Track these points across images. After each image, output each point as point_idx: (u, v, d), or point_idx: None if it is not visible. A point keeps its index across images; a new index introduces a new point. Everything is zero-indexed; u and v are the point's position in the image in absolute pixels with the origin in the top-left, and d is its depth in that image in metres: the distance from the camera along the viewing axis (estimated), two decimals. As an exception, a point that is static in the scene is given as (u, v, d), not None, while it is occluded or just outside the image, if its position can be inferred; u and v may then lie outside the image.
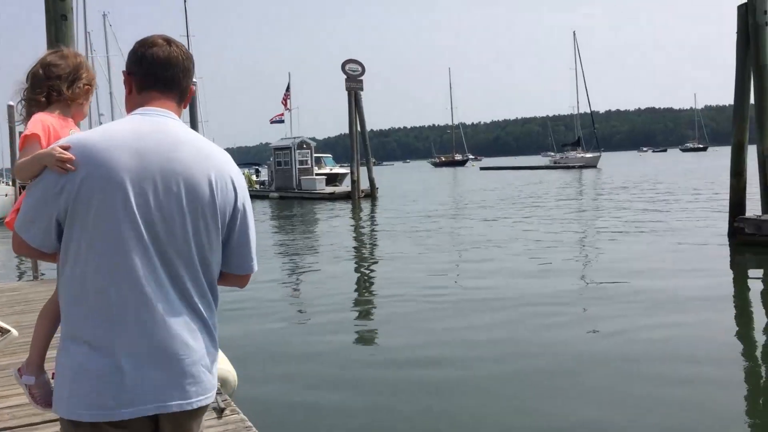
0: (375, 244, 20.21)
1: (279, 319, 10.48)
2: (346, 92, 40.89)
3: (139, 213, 2.15)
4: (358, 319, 10.67)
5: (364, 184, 40.85)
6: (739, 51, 15.36)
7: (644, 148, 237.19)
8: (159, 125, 2.27)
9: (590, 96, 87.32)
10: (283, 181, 47.19)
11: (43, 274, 11.75)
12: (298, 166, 46.14)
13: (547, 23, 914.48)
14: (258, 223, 28.02)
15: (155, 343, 2.17)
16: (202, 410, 2.33)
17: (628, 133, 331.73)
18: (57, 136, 2.44)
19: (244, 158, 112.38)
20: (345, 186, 47.01)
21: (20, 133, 2.79)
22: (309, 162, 46.87)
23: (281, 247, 20.12)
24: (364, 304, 11.75)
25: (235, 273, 2.42)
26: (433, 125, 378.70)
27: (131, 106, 2.37)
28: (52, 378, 2.34)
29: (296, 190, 45.31)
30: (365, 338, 9.47)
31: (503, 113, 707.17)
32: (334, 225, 26.77)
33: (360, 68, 41.41)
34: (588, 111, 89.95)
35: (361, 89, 41.13)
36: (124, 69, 2.41)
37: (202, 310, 2.28)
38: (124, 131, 2.22)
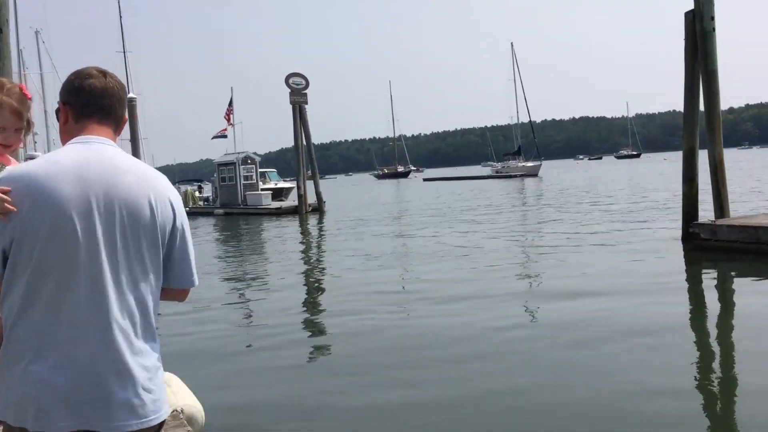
0: (325, 259, 19.84)
1: (229, 339, 10.15)
2: (287, 106, 40.54)
3: (85, 238, 2.25)
4: (310, 336, 10.44)
5: (311, 199, 40.50)
6: (688, 57, 15.56)
7: (580, 156, 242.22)
8: (100, 153, 2.38)
9: (524, 107, 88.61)
10: (227, 197, 46.56)
11: None
12: (243, 182, 45.66)
13: (483, 34, 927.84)
14: (204, 241, 27.82)
15: (95, 362, 2.24)
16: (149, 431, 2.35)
17: (564, 141, 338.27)
18: None
19: (185, 174, 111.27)
20: (291, 200, 46.61)
21: None
22: (254, 177, 46.38)
23: (229, 265, 19.72)
24: (315, 320, 11.53)
25: (176, 288, 2.53)
26: (374, 138, 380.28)
27: (68, 136, 2.47)
28: None
29: (242, 206, 44.74)
30: (317, 353, 9.31)
31: (442, 125, 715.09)
32: (282, 240, 26.37)
33: (304, 82, 41.10)
34: (527, 121, 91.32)
35: (306, 103, 40.81)
36: (59, 100, 2.50)
37: (144, 332, 2.37)
38: (66, 160, 2.31)
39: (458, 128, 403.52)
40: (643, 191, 38.59)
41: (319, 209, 40.00)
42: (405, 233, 24.54)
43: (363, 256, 18.60)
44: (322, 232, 28.88)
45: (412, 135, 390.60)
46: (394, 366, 8.19)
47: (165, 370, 5.67)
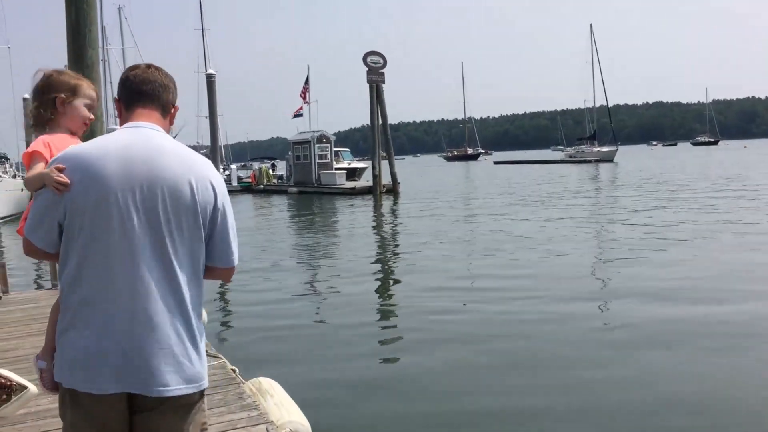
0: (400, 243, 19.30)
1: (299, 323, 10.04)
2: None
3: (129, 214, 2.43)
4: (381, 321, 10.23)
5: (386, 179, 40.19)
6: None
7: (654, 142, 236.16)
8: (144, 136, 2.55)
9: (601, 90, 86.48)
10: (301, 175, 46.55)
11: (57, 284, 11.17)
12: (317, 161, 45.54)
13: (559, 15, 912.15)
14: (277, 220, 27.63)
15: (140, 331, 2.41)
16: (182, 399, 2.49)
17: (636, 127, 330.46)
18: (58, 149, 2.71)
19: (256, 152, 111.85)
20: (364, 180, 46.42)
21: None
22: (328, 156, 46.23)
23: (303, 245, 19.53)
24: (389, 306, 11.23)
25: (218, 266, 2.65)
26: (443, 119, 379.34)
27: (122, 125, 2.65)
28: None
29: (315, 185, 44.70)
30: (389, 341, 9.13)
31: (512, 107, 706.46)
32: (356, 221, 26.10)
33: (382, 60, 40.61)
34: (601, 105, 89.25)
35: (383, 82, 40.32)
36: (114, 97, 2.76)
37: (189, 304, 2.51)
38: (113, 143, 2.51)
39: (527, 111, 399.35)
40: (740, 179, 37.04)
41: (393, 190, 39.57)
42: (483, 218, 23.90)
43: (443, 242, 18.19)
44: (398, 214, 28.41)
45: (481, 117, 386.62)
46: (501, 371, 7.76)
47: (259, 374, 5.35)
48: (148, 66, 2.75)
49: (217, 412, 4.62)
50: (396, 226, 24.13)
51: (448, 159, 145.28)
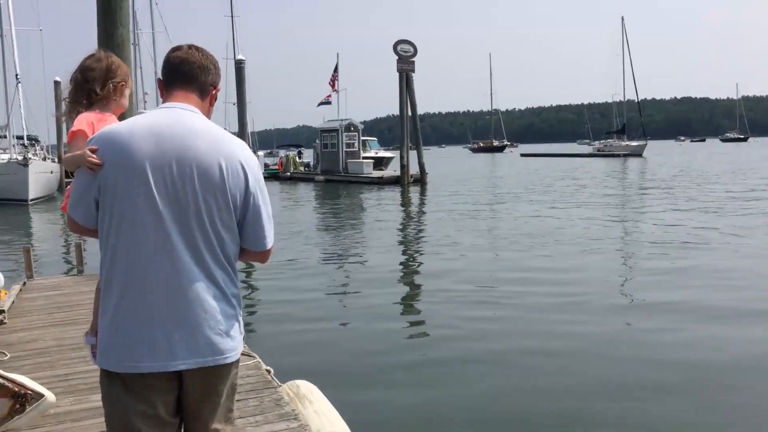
0: (428, 233, 18.74)
1: (328, 318, 9.72)
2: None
3: (157, 193, 2.44)
4: (415, 316, 9.92)
5: (413, 169, 39.71)
6: None
7: (681, 138, 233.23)
8: (179, 116, 2.55)
9: (631, 84, 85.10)
10: (329, 163, 46.24)
11: (83, 270, 10.85)
12: (345, 149, 45.19)
13: (588, 7, 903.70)
14: (305, 208, 27.28)
15: (177, 306, 2.45)
16: (221, 369, 2.57)
17: (664, 122, 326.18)
18: (100, 129, 2.72)
19: (282, 140, 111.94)
20: (391, 170, 45.99)
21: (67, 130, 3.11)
22: (356, 145, 45.86)
23: (332, 236, 19.15)
24: (424, 302, 10.82)
25: (252, 249, 2.66)
26: (468, 111, 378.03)
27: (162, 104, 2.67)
28: None
29: (343, 174, 44.37)
30: (414, 331, 8.98)
31: (538, 100, 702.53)
32: (385, 211, 25.65)
33: (412, 49, 40.07)
34: (630, 99, 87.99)
35: (413, 71, 39.81)
36: (159, 77, 2.77)
37: (219, 280, 2.53)
38: (146, 123, 2.52)
39: (553, 104, 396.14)
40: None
41: (421, 180, 39.12)
42: (513, 211, 23.36)
43: (475, 235, 17.75)
44: (426, 205, 27.93)
45: (506, 109, 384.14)
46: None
47: (291, 375, 4.91)
48: (190, 47, 2.73)
49: (254, 421, 4.21)
50: (424, 217, 23.64)
51: (474, 150, 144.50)
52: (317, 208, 28.44)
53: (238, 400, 4.42)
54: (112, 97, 3.10)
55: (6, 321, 7.18)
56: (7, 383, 3.45)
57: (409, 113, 40.11)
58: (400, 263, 14.29)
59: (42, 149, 42.46)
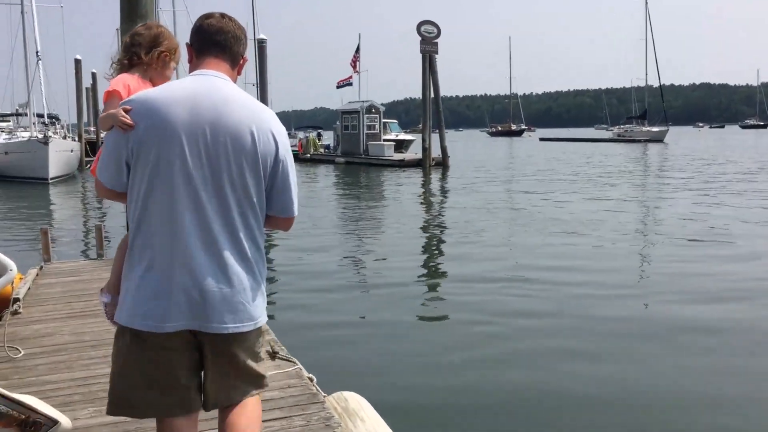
0: (453, 219, 18.00)
1: (340, 293, 9.79)
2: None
3: (192, 158, 2.49)
4: (425, 295, 9.79)
5: (435, 152, 39.05)
6: None
7: (700, 124, 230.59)
8: (212, 84, 2.61)
9: (653, 69, 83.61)
10: (349, 145, 45.60)
11: (108, 255, 10.29)
12: (366, 131, 44.50)
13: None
14: (326, 191, 26.74)
15: (201, 271, 2.50)
16: (242, 336, 2.60)
17: (681, 108, 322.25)
18: (135, 92, 2.74)
19: (300, 122, 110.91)
20: (412, 153, 45.34)
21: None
22: (377, 127, 45.12)
23: (357, 222, 18.57)
24: (434, 278, 10.76)
25: (278, 216, 2.72)
26: (485, 95, 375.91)
27: (191, 72, 2.71)
28: None
29: (363, 156, 43.74)
30: (429, 316, 8.80)
31: (555, 85, 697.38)
32: (408, 195, 25.03)
33: (436, 30, 39.28)
34: (650, 84, 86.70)
35: (436, 53, 39.03)
36: (187, 42, 2.78)
37: (246, 247, 2.58)
38: (182, 89, 2.58)
39: (571, 89, 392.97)
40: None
41: (443, 164, 38.48)
42: (538, 195, 22.72)
43: (503, 220, 17.14)
44: (449, 189, 27.22)
45: (524, 94, 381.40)
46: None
47: (332, 380, 4.33)
48: (222, 16, 2.75)
49: (302, 443, 3.66)
50: (448, 200, 22.89)
51: (492, 134, 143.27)
52: (338, 190, 27.86)
53: (281, 418, 3.96)
54: (153, 64, 3.05)
55: (21, 310, 6.67)
56: (12, 411, 2.91)
57: (432, 95, 39.38)
58: (431, 251, 13.75)
59: (62, 128, 42.11)
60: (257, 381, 2.73)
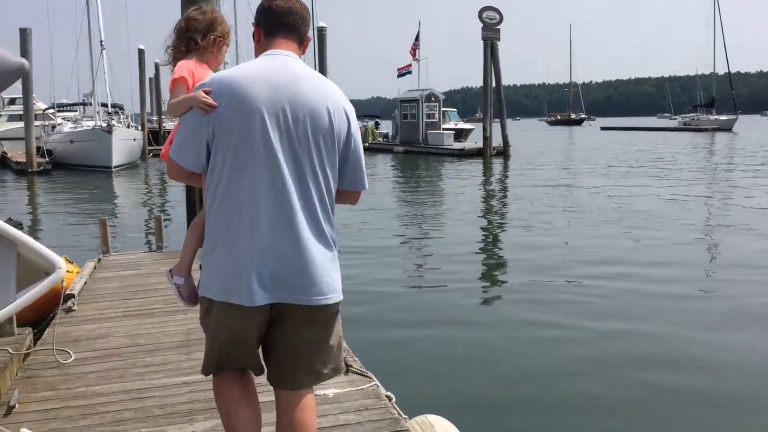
0: (517, 211, 17.25)
1: (400, 288, 9.48)
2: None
3: (273, 136, 2.55)
4: (486, 289, 9.53)
5: (496, 141, 38.18)
6: None
7: (767, 113, 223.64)
8: (285, 63, 2.67)
9: (722, 55, 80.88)
10: (408, 134, 44.96)
11: (166, 246, 9.89)
12: (425, 120, 43.82)
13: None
14: (382, 178, 26.22)
15: (281, 246, 2.55)
16: (321, 310, 2.64)
17: (746, 96, 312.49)
18: (199, 78, 2.83)
19: (356, 111, 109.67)
20: (472, 142, 44.55)
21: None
22: (437, 116, 44.40)
23: (414, 210, 17.99)
24: (507, 276, 10.30)
25: (349, 189, 2.79)
26: (543, 83, 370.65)
27: (260, 52, 2.78)
28: (197, 284, 2.80)
29: (422, 145, 43.08)
30: (493, 309, 8.62)
31: (615, 73, 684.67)
32: (471, 186, 24.29)
33: (498, 16, 38.37)
34: (718, 72, 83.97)
35: (498, 39, 38.17)
36: (253, 22, 2.83)
37: (323, 223, 2.64)
38: (258, 69, 2.64)
39: (632, 77, 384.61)
40: None
41: (504, 153, 37.64)
42: (605, 188, 21.79)
43: (572, 212, 16.34)
44: (512, 180, 26.22)
45: (583, 82, 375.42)
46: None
47: (422, 408, 3.79)
48: None
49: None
50: (513, 193, 21.86)
51: (551, 123, 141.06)
52: (397, 180, 27.30)
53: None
54: (210, 49, 3.07)
55: (75, 308, 6.30)
56: None
57: (494, 84, 38.52)
58: (498, 248, 13.10)
59: (126, 117, 42.48)
60: (334, 361, 2.78)
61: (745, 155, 36.60)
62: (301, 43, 2.81)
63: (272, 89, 2.56)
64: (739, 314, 7.94)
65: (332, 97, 2.66)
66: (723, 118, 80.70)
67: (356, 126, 2.76)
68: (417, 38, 49.24)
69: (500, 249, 12.80)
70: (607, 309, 8.26)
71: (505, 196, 21.30)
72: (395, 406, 3.94)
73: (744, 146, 45.61)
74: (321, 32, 37.50)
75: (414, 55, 49.06)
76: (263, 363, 2.77)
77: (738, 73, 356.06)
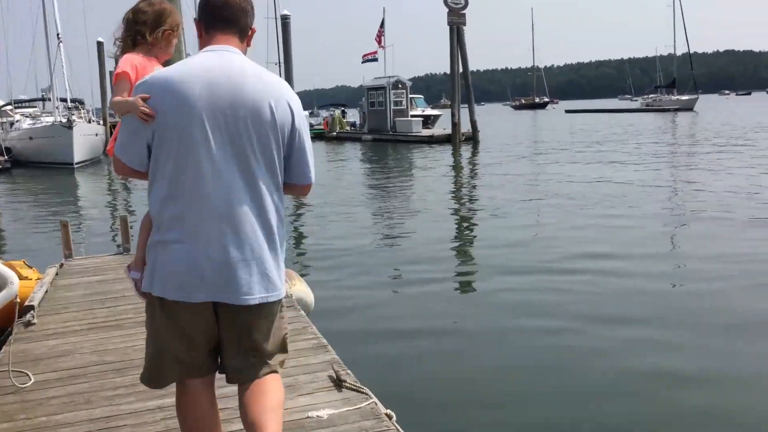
0: (485, 195, 17.03)
1: (373, 278, 9.29)
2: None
3: (214, 135, 2.53)
4: (458, 282, 9.27)
5: (464, 127, 37.92)
6: None
7: (726, 92, 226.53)
8: (227, 60, 2.64)
9: (681, 36, 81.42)
10: (376, 122, 44.57)
11: (129, 248, 9.28)
12: (392, 107, 43.44)
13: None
14: (352, 168, 25.76)
15: (228, 243, 2.55)
16: (262, 308, 2.65)
17: (705, 76, 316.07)
18: (143, 73, 2.81)
19: (322, 100, 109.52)
20: (439, 128, 44.25)
21: (110, 72, 1.68)
22: (404, 103, 44.04)
23: (384, 200, 17.60)
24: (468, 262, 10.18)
25: (297, 183, 2.78)
26: (506, 68, 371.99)
27: (202, 47, 2.75)
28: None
29: (391, 133, 42.72)
30: (466, 299, 8.44)
31: (575, 56, 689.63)
32: (436, 171, 24.02)
33: (463, 1, 37.91)
34: (677, 52, 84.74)
35: (464, 24, 37.79)
36: (194, 17, 2.80)
37: (271, 220, 2.64)
38: (197, 66, 2.60)
39: (593, 60, 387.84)
40: None
41: (473, 138, 37.42)
42: (578, 170, 21.61)
43: (550, 198, 16.04)
44: (482, 166, 25.96)
45: (545, 66, 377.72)
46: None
47: (425, 427, 3.37)
48: None
49: None
50: (484, 180, 21.43)
51: (516, 107, 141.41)
52: (367, 169, 26.86)
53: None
54: (158, 44, 3.00)
55: (35, 321, 5.80)
56: None
57: (461, 69, 38.18)
58: (476, 241, 12.73)
59: (87, 112, 41.50)
60: (278, 353, 2.77)
61: (710, 134, 36.70)
62: (244, 36, 2.76)
63: (212, 87, 2.54)
64: (717, 301, 7.70)
65: (275, 91, 2.64)
66: (684, 98, 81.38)
67: (301, 120, 2.72)
68: (382, 25, 48.77)
69: (478, 241, 12.41)
70: (591, 300, 7.95)
71: (476, 184, 20.98)
72: (397, 425, 3.54)
73: (706, 126, 45.76)
74: (285, 20, 36.88)
75: (379, 42, 48.62)
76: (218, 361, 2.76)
77: (696, 53, 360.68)
